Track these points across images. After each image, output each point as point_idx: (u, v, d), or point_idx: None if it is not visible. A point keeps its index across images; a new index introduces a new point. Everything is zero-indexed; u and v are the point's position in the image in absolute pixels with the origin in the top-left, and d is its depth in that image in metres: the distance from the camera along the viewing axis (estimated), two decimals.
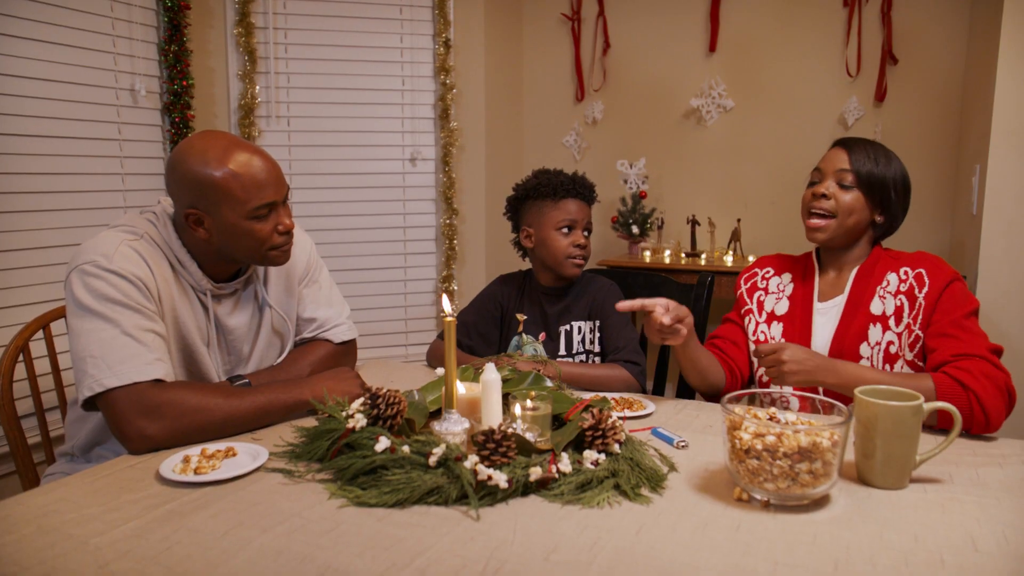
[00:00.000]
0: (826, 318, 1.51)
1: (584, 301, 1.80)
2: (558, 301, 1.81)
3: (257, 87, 2.95)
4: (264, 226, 1.30)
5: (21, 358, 1.49)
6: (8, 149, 2.20)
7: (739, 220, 3.43)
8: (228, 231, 1.29)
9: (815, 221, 1.49)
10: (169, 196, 1.35)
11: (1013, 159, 2.42)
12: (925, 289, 1.42)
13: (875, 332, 1.44)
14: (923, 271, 1.44)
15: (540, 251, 1.79)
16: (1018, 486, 1.07)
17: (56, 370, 1.58)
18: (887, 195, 1.47)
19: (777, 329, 1.55)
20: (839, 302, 1.50)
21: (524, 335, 1.80)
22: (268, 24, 2.97)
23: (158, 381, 1.21)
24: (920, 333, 1.41)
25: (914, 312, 1.42)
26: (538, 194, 1.78)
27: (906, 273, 1.45)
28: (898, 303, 1.44)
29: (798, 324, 1.53)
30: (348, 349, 1.58)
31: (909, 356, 1.42)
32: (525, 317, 1.80)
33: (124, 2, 2.54)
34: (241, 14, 2.88)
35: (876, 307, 1.45)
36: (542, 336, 1.80)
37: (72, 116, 2.38)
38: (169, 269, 1.33)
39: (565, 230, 1.75)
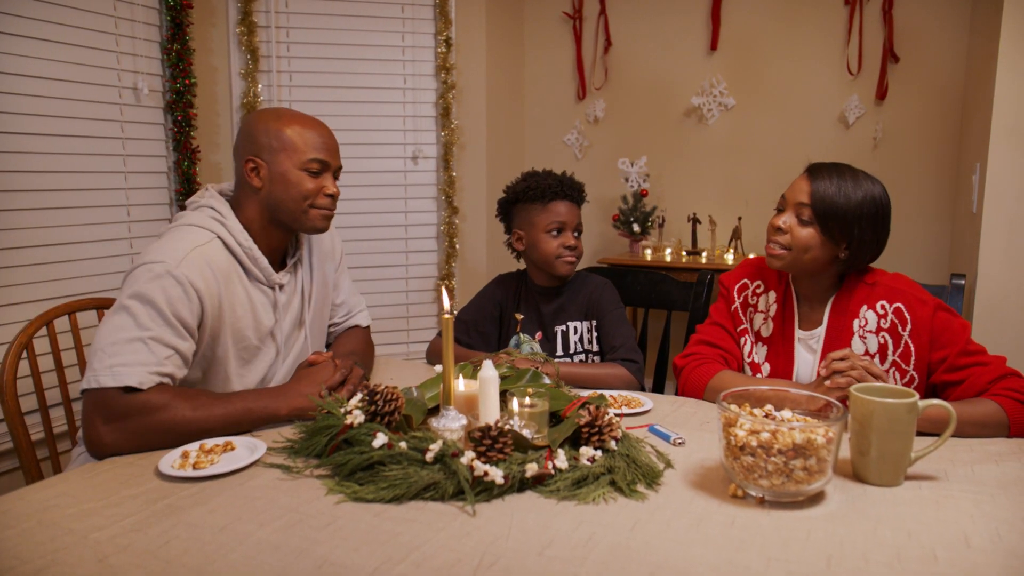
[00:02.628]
0: (807, 350, 1.50)
1: (579, 301, 1.80)
2: (552, 300, 1.82)
3: (259, 86, 2.96)
4: (312, 182, 1.40)
5: (25, 355, 1.51)
6: (12, 147, 2.22)
7: (740, 218, 3.43)
8: (280, 179, 1.38)
9: (772, 248, 1.47)
10: (234, 156, 1.44)
11: (1013, 158, 2.42)
12: (909, 327, 1.40)
13: None
14: (901, 306, 1.41)
15: (531, 253, 1.79)
16: (1014, 483, 1.07)
17: (59, 367, 1.59)
18: (848, 229, 1.40)
19: (762, 351, 1.54)
20: (818, 335, 1.48)
21: (522, 334, 1.80)
22: (270, 23, 2.98)
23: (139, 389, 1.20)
24: (915, 374, 1.41)
25: (900, 350, 1.41)
26: (527, 197, 1.77)
27: (883, 308, 1.43)
28: (881, 340, 1.42)
29: (780, 351, 1.51)
30: (368, 333, 1.70)
31: None
32: (523, 317, 1.81)
33: (127, 1, 2.55)
34: (243, 13, 2.89)
35: (857, 346, 1.44)
36: (538, 335, 1.80)
37: (75, 115, 2.39)
38: (237, 269, 1.37)
39: (555, 232, 1.75)
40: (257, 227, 1.42)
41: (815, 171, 1.44)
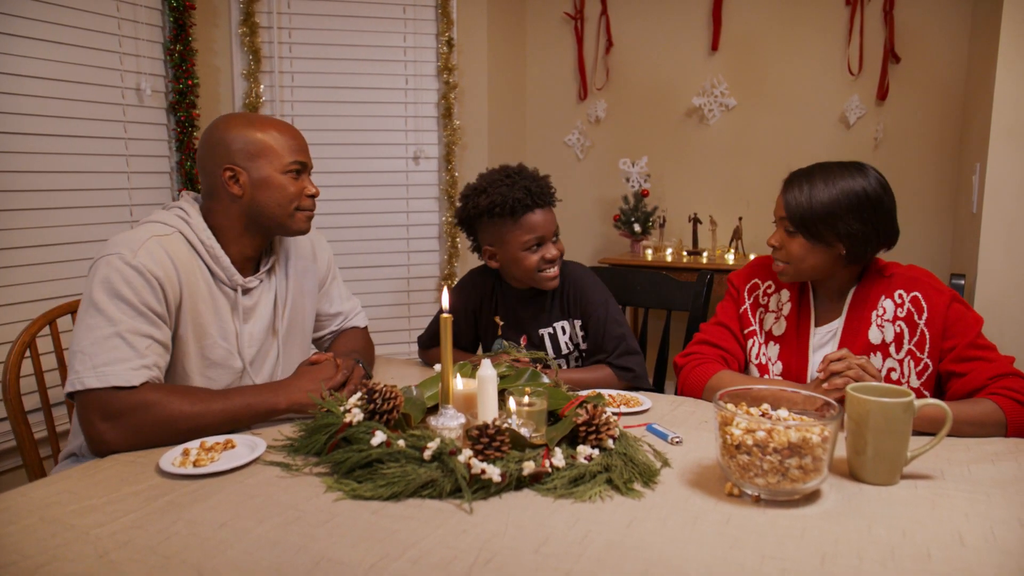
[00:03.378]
0: (822, 343, 1.51)
1: (560, 299, 1.69)
2: (530, 303, 1.71)
3: (261, 86, 2.97)
4: (295, 184, 1.40)
5: (28, 354, 1.52)
6: (15, 148, 2.23)
7: (740, 218, 3.44)
8: (263, 184, 1.37)
9: (777, 265, 1.49)
10: (200, 167, 1.41)
11: (1013, 158, 2.42)
12: (925, 315, 1.41)
13: (875, 361, 1.43)
14: (919, 295, 1.42)
15: (510, 269, 1.66)
16: (1010, 483, 1.08)
17: (62, 366, 1.60)
18: (831, 228, 1.39)
19: (774, 350, 1.54)
20: (835, 328, 1.49)
21: (505, 342, 1.69)
22: (272, 24, 2.99)
23: (133, 387, 1.21)
24: (929, 362, 1.41)
25: (915, 339, 1.42)
26: (493, 213, 1.59)
27: (901, 297, 1.44)
28: (897, 329, 1.43)
29: (795, 347, 1.51)
30: (367, 333, 1.71)
31: (915, 383, 1.42)
32: (503, 322, 1.74)
33: (129, 2, 2.56)
34: (246, 14, 2.90)
35: (875, 336, 1.44)
36: (523, 340, 1.72)
37: (78, 115, 2.40)
38: (200, 266, 1.36)
39: (533, 247, 1.60)
40: (232, 234, 1.40)
41: (788, 182, 1.47)
